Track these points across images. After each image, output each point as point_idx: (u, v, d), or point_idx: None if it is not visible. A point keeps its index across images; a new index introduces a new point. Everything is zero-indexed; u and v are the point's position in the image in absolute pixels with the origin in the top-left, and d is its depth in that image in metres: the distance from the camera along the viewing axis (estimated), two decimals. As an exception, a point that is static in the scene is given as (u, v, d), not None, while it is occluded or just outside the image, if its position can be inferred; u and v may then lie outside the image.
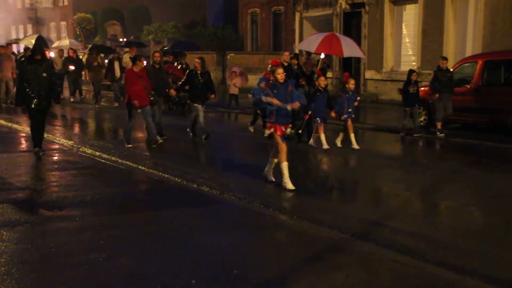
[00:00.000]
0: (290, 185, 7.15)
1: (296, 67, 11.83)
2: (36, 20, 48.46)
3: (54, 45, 27.91)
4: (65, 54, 19.80)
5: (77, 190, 7.18)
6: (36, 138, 9.30)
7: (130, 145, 10.35)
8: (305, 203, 6.79)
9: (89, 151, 9.98)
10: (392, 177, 8.51)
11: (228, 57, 26.06)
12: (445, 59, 12.11)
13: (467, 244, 5.38)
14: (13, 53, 19.06)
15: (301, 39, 21.90)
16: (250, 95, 11.86)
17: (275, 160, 7.39)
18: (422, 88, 12.48)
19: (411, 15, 17.95)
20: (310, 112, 10.15)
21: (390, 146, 11.58)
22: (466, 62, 12.74)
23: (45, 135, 9.67)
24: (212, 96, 11.56)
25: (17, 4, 50.50)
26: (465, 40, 16.24)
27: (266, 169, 7.62)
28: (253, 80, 22.22)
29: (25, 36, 38.44)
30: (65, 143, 10.86)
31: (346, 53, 11.08)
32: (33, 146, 9.34)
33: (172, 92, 11.68)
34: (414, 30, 17.68)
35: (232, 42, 27.46)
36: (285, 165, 7.19)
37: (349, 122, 10.33)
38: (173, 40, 30.05)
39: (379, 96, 18.67)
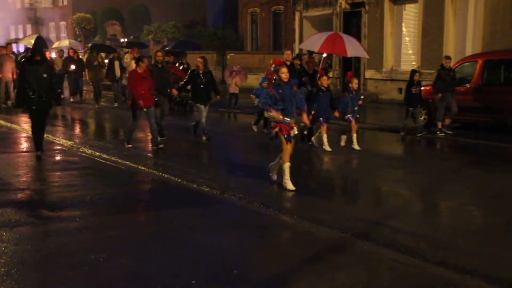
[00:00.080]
0: (290, 186, 7.15)
1: (298, 67, 11.79)
2: (35, 20, 48.43)
3: (54, 45, 27.92)
4: (65, 55, 19.80)
5: (77, 191, 7.18)
6: (38, 140, 9.17)
7: (130, 145, 10.33)
8: (306, 203, 6.79)
9: (89, 151, 9.98)
10: (392, 176, 8.51)
11: (228, 57, 26.07)
12: (449, 58, 12.10)
13: (467, 243, 5.38)
14: (13, 52, 19.03)
15: (301, 39, 21.89)
16: (253, 96, 11.94)
17: (281, 160, 7.35)
18: (422, 88, 12.47)
19: (411, 14, 17.94)
20: (313, 112, 10.10)
21: (390, 146, 11.58)
22: (466, 62, 12.74)
23: (45, 135, 9.62)
24: (217, 97, 11.52)
25: (17, 4, 50.48)
26: (465, 39, 16.24)
27: (272, 163, 7.55)
28: (254, 80, 22.25)
29: (25, 36, 38.44)
30: (65, 143, 10.86)
31: (350, 53, 10.96)
32: (35, 149, 9.20)
33: (174, 91, 11.60)
34: (414, 30, 17.68)
35: (232, 42, 27.47)
36: (287, 166, 7.18)
37: (353, 122, 10.29)
38: (173, 40, 30.06)
39: (379, 96, 18.67)
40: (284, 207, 6.59)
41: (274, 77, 11.22)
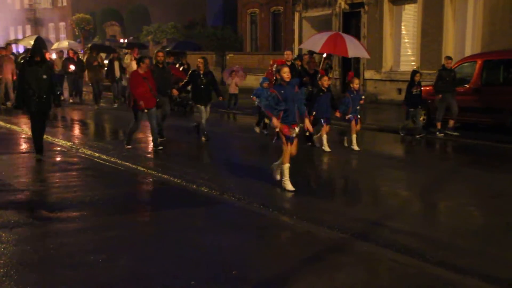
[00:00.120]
0: (289, 186, 7.15)
1: (299, 68, 11.76)
2: (34, 21, 48.45)
3: (53, 46, 27.91)
4: (65, 55, 19.79)
5: (77, 191, 7.18)
6: (38, 143, 9.08)
7: (130, 146, 10.32)
8: (305, 203, 6.79)
9: (89, 152, 9.97)
10: (391, 177, 8.51)
11: (228, 57, 26.09)
12: (450, 58, 12.10)
13: (467, 244, 5.38)
14: (13, 53, 19.02)
15: (300, 39, 21.90)
16: (254, 97, 11.91)
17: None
18: (421, 88, 12.46)
19: (410, 15, 17.95)
20: (314, 113, 10.07)
21: (389, 146, 11.58)
22: (465, 62, 12.75)
23: (44, 136, 9.57)
24: (220, 98, 11.50)
25: (16, 5, 50.47)
26: (464, 39, 16.25)
27: (275, 163, 7.43)
28: (253, 80, 22.27)
29: (24, 37, 38.46)
30: (65, 144, 10.85)
31: (351, 53, 10.83)
32: (36, 152, 9.11)
33: (174, 92, 11.56)
34: (414, 30, 17.69)
35: (231, 43, 27.48)
36: (286, 167, 7.17)
37: (353, 122, 10.25)
38: (173, 41, 30.07)
39: (379, 96, 18.67)
40: (284, 208, 6.58)
41: (275, 77, 11.22)
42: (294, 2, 22.55)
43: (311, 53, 12.92)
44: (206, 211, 6.42)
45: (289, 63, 10.55)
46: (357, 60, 19.11)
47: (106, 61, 19.38)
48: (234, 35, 28.31)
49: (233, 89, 16.61)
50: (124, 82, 17.71)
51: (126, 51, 21.42)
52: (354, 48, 10.77)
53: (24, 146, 10.83)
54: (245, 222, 6.01)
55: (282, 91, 6.96)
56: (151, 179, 8.09)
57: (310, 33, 20.85)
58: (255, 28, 28.24)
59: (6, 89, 16.68)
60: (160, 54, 11.54)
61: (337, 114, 10.34)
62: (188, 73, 11.91)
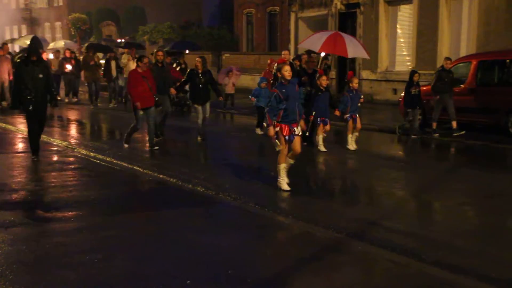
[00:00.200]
0: (285, 186, 7.15)
1: (298, 68, 11.74)
2: (30, 21, 48.30)
3: (49, 46, 27.81)
4: (61, 55, 19.74)
5: (72, 191, 7.17)
6: (34, 144, 9.00)
7: (127, 145, 10.28)
8: (301, 203, 6.80)
9: (84, 151, 9.96)
10: (388, 177, 8.53)
11: (224, 57, 26.09)
12: (449, 59, 12.10)
13: (464, 243, 5.39)
14: (9, 53, 18.95)
15: (296, 40, 21.91)
16: (252, 98, 11.90)
17: (291, 161, 7.21)
18: (420, 88, 12.44)
19: (405, 15, 18.00)
20: (314, 113, 10.05)
21: (386, 147, 11.61)
22: (461, 62, 12.78)
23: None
24: (220, 98, 11.44)
25: (12, 4, 50.30)
26: (459, 40, 16.31)
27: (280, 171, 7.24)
28: (248, 80, 22.30)
29: (20, 36, 38.33)
30: (60, 144, 10.83)
31: (351, 54, 10.72)
32: (32, 153, 9.05)
33: (172, 91, 11.50)
34: (409, 30, 17.74)
35: (227, 43, 27.51)
36: (282, 167, 7.17)
37: (350, 122, 10.23)
38: (169, 41, 30.04)
39: (374, 96, 18.71)
40: (280, 208, 6.59)
41: (274, 77, 11.16)
42: (290, 3, 22.57)
43: (309, 52, 12.85)
44: (202, 210, 6.42)
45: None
46: (353, 60, 19.13)
47: (102, 61, 19.33)
48: (230, 35, 28.33)
49: (230, 89, 16.58)
50: (121, 82, 17.68)
51: (123, 50, 21.39)
52: (354, 48, 10.64)
53: (19, 146, 10.80)
54: (241, 222, 6.02)
55: (284, 90, 6.92)
56: (147, 179, 8.09)
57: (306, 33, 20.87)
58: (251, 28, 28.26)
59: (2, 89, 16.63)
60: (160, 53, 11.49)
61: (337, 113, 10.34)
62: (187, 72, 11.87)
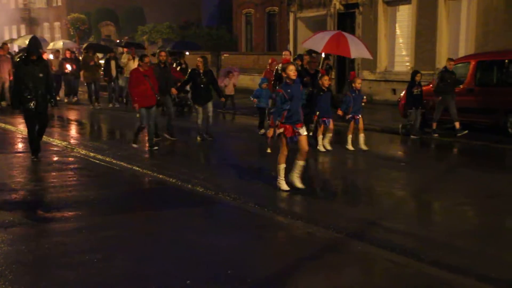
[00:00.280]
0: (284, 186, 7.16)
1: (300, 67, 11.70)
2: (29, 21, 48.24)
3: (49, 47, 27.78)
4: (61, 55, 19.73)
5: (72, 191, 7.17)
6: (34, 145, 8.96)
7: (136, 145, 10.23)
8: (300, 203, 6.81)
9: (84, 151, 9.96)
10: (388, 177, 8.54)
11: (223, 57, 26.09)
12: (452, 60, 12.08)
13: (464, 244, 5.40)
14: (9, 53, 18.94)
15: (295, 40, 21.92)
16: (254, 99, 11.88)
17: (301, 163, 7.12)
18: (422, 88, 12.39)
19: (404, 15, 18.01)
20: (318, 113, 10.01)
21: (385, 147, 11.62)
22: (459, 63, 12.79)
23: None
24: (222, 99, 11.35)
25: (11, 4, 50.25)
26: (458, 40, 16.32)
27: (292, 174, 7.15)
28: (247, 80, 22.29)
29: (19, 36, 38.29)
30: (60, 144, 10.83)
31: (353, 54, 10.66)
32: (31, 154, 9.02)
33: (174, 91, 11.42)
34: (408, 31, 17.75)
35: (226, 43, 27.51)
36: (282, 167, 7.17)
37: (352, 123, 10.20)
38: (168, 41, 30.04)
39: (373, 97, 18.71)
40: (279, 208, 6.59)
41: (272, 77, 11.10)
42: (289, 3, 22.57)
43: (309, 52, 12.78)
44: (202, 211, 6.43)
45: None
46: (352, 60, 19.13)
47: (102, 61, 19.31)
48: (229, 35, 28.34)
49: (230, 90, 16.50)
50: (121, 82, 17.65)
51: (122, 50, 21.37)
52: (357, 48, 10.56)
53: (19, 146, 10.80)
54: (241, 222, 6.03)
55: (289, 90, 6.90)
56: (146, 179, 8.09)
57: (305, 33, 20.89)
58: (250, 28, 28.27)
59: (2, 89, 16.62)
60: (163, 53, 11.41)
61: (339, 113, 10.32)
62: (188, 72, 11.83)
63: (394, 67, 18.44)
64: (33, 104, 8.62)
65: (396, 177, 8.63)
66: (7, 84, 16.29)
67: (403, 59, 18.15)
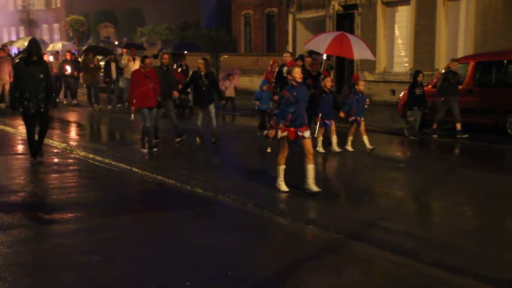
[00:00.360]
0: (284, 187, 7.16)
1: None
2: (28, 22, 48.25)
3: (48, 49, 27.80)
4: (60, 57, 19.73)
5: (71, 193, 7.17)
6: (34, 146, 8.92)
7: (146, 150, 10.10)
8: (300, 204, 6.81)
9: (83, 153, 9.96)
10: (387, 177, 8.55)
11: (222, 58, 26.09)
12: (456, 60, 12.07)
13: (463, 244, 5.40)
14: (9, 54, 18.94)
15: (294, 41, 21.94)
16: (257, 102, 11.86)
17: (311, 167, 7.02)
18: (424, 89, 12.35)
19: (403, 16, 18.03)
20: (320, 115, 9.99)
21: (384, 147, 11.60)
22: (458, 63, 12.79)
23: (37, 136, 9.36)
24: (222, 102, 11.30)
25: (9, 6, 50.26)
26: (457, 41, 16.33)
27: (307, 181, 7.02)
28: (247, 81, 22.29)
29: (18, 38, 38.28)
30: (59, 146, 10.82)
31: (356, 55, 10.58)
32: (30, 155, 8.99)
33: (175, 94, 11.33)
34: (407, 32, 17.77)
35: (225, 44, 27.49)
36: (281, 168, 7.16)
37: (354, 125, 10.17)
38: (167, 42, 30.07)
39: (372, 97, 18.62)
40: (279, 209, 6.60)
41: (273, 78, 11.03)
42: (288, 4, 22.59)
43: (310, 53, 12.72)
44: (201, 212, 6.42)
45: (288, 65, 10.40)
46: (351, 60, 19.14)
47: (102, 63, 19.30)
48: (228, 37, 28.34)
49: (230, 92, 16.46)
50: (121, 83, 17.64)
51: (122, 51, 21.37)
52: (359, 50, 10.48)
53: (18, 148, 10.79)
54: (240, 223, 6.02)
55: (295, 93, 6.85)
56: (145, 180, 8.09)
57: (304, 34, 20.92)
58: (249, 29, 28.27)
59: (2, 91, 16.62)
60: (166, 56, 11.21)
61: (341, 115, 10.28)
62: (189, 75, 11.77)
63: (393, 68, 18.46)
64: (32, 105, 8.58)
65: (395, 177, 8.63)
66: (7, 86, 16.27)
67: (402, 60, 18.17)
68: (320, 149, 10.06)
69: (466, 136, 11.50)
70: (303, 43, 13.29)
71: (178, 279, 4.38)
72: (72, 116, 16.67)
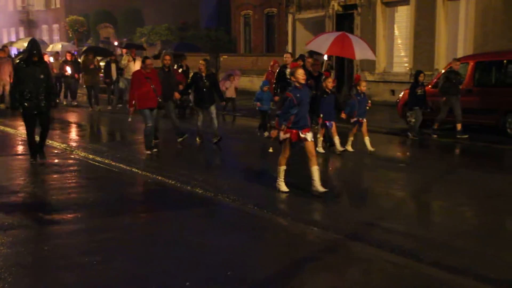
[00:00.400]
0: (283, 187, 7.16)
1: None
2: (28, 23, 48.25)
3: (48, 49, 27.80)
4: (60, 57, 19.74)
5: (71, 193, 7.17)
6: (34, 147, 8.91)
7: (149, 152, 10.02)
8: (299, 204, 6.81)
9: (83, 154, 9.96)
10: (387, 178, 8.55)
11: (221, 59, 26.10)
12: (458, 60, 12.06)
13: (463, 244, 5.40)
14: (9, 55, 18.94)
15: (294, 41, 21.95)
16: (258, 103, 11.85)
17: (315, 168, 6.98)
18: (425, 89, 12.33)
19: (403, 16, 18.03)
20: (322, 116, 9.93)
21: (384, 147, 11.60)
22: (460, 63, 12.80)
23: (38, 138, 9.35)
24: (222, 103, 11.25)
25: (9, 7, 50.26)
26: (456, 41, 16.33)
27: (313, 183, 6.97)
28: (246, 82, 22.29)
29: (18, 39, 38.28)
30: (59, 146, 10.83)
31: (358, 56, 10.51)
32: (30, 156, 8.98)
33: (176, 95, 11.29)
34: (406, 32, 17.77)
35: (225, 44, 27.51)
36: (282, 169, 7.15)
37: (355, 127, 10.13)
38: (167, 43, 30.07)
39: (372, 98, 18.58)
40: (278, 209, 6.60)
41: (273, 78, 11.00)
42: (288, 4, 22.60)
43: (311, 53, 12.69)
44: (201, 212, 6.43)
45: (290, 66, 10.41)
46: (351, 60, 19.15)
47: (102, 63, 19.32)
48: (228, 37, 28.34)
49: (231, 93, 16.44)
50: (121, 84, 17.64)
51: (121, 51, 21.37)
52: (361, 50, 10.43)
53: (18, 148, 10.79)
54: (240, 223, 6.03)
55: (298, 95, 6.83)
56: (145, 181, 8.09)
57: (304, 35, 20.92)
58: (248, 29, 28.29)
59: (3, 91, 16.61)
60: (168, 57, 11.11)
61: (343, 115, 10.26)
62: (190, 76, 11.75)
63: (392, 68, 18.47)
64: (33, 106, 8.57)
65: (395, 177, 8.63)
66: (7, 87, 16.27)
67: (401, 60, 18.18)
68: (320, 149, 10.06)
69: (466, 136, 11.50)
70: (304, 44, 13.29)
71: (178, 279, 4.38)
72: (72, 117, 16.67)
